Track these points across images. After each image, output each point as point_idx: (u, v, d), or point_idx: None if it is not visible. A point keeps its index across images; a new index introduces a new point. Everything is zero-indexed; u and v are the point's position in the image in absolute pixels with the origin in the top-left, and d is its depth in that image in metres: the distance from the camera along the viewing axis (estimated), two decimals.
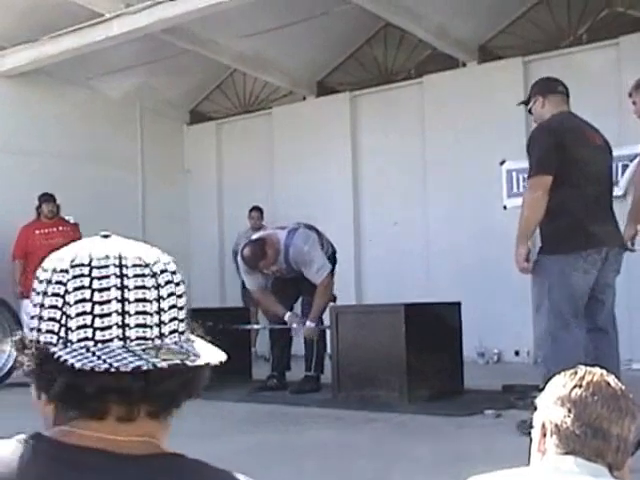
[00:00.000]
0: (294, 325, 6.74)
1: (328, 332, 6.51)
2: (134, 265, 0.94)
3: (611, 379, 1.43)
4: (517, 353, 8.34)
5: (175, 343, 0.94)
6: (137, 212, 10.82)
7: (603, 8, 8.55)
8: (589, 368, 1.45)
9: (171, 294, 0.95)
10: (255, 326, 8.03)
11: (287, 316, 6.75)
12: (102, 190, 10.17)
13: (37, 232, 8.88)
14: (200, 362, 0.93)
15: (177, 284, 0.97)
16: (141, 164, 10.92)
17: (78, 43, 8.69)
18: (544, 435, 1.42)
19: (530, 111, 4.94)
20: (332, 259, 6.87)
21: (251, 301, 8.28)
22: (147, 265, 0.94)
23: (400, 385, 5.74)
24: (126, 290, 0.92)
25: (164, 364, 0.90)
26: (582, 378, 1.41)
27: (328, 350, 6.66)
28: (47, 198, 8.96)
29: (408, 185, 9.45)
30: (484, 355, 8.57)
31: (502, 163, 8.71)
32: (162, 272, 0.95)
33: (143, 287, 0.93)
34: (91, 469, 0.90)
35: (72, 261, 0.94)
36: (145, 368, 0.89)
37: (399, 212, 9.51)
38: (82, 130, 10.11)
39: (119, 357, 0.89)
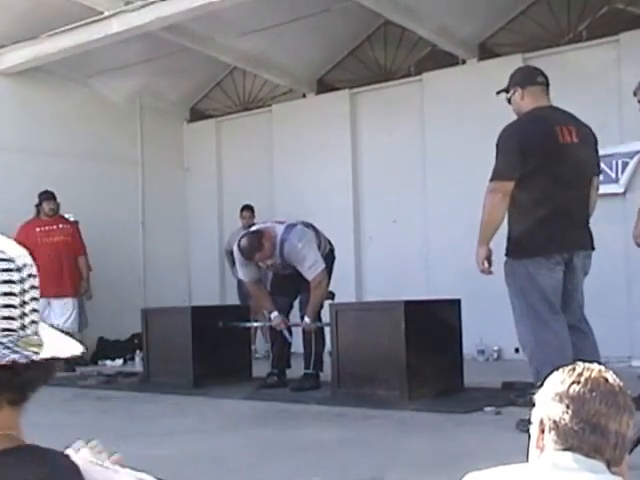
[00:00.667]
0: (278, 328, 6.75)
1: (328, 329, 6.51)
2: (1, 260, 0.96)
3: (609, 375, 1.42)
4: (517, 350, 8.28)
5: (35, 333, 0.97)
6: (137, 210, 10.82)
7: (603, 5, 8.53)
8: (587, 364, 1.44)
9: (32, 287, 0.99)
10: (255, 324, 8.01)
11: (274, 315, 6.74)
12: (101, 188, 10.17)
13: (37, 230, 8.88)
14: (69, 354, 0.97)
15: (35, 277, 1.00)
16: (141, 162, 10.92)
17: (77, 41, 8.70)
18: (542, 431, 1.42)
19: (509, 100, 4.90)
20: (330, 256, 6.86)
21: (247, 298, 8.27)
22: (12, 260, 0.97)
23: (400, 382, 5.74)
24: None
25: (37, 357, 0.92)
26: (580, 374, 1.41)
27: (328, 347, 6.66)
28: (48, 196, 8.96)
29: (408, 182, 9.44)
30: (484, 352, 8.58)
31: None
32: (25, 266, 0.99)
33: (10, 281, 0.95)
34: None
35: None
36: (23, 362, 0.91)
37: (399, 209, 9.50)
38: (82, 128, 10.10)
39: None
